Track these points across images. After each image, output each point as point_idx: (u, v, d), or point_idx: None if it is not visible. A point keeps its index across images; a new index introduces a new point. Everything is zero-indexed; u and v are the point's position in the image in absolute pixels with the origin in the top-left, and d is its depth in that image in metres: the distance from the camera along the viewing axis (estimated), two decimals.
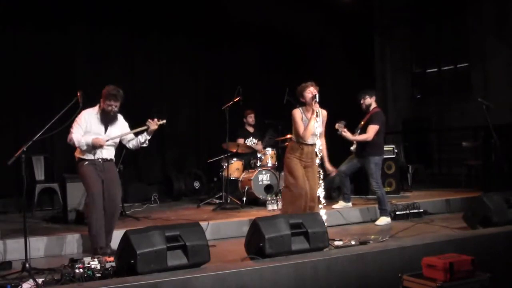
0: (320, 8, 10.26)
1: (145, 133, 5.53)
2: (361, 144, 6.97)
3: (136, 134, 5.61)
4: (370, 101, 7.11)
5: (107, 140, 5.36)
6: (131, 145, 5.63)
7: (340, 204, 7.28)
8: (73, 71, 8.62)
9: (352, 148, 7.19)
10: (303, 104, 5.94)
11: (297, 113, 5.90)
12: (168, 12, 9.47)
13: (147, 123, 5.47)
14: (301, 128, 5.82)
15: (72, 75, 8.44)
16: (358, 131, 7.10)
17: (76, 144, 5.28)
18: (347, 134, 6.90)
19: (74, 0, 8.58)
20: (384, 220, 6.78)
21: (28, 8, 8.21)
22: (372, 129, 6.86)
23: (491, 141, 7.49)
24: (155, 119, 5.50)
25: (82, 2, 8.64)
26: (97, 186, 5.30)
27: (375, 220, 6.95)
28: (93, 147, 5.30)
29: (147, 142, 5.57)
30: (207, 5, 9.52)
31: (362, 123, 7.07)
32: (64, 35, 8.66)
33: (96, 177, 5.32)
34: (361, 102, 7.13)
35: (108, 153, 5.44)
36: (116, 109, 5.41)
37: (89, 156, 5.34)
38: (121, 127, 5.54)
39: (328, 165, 5.99)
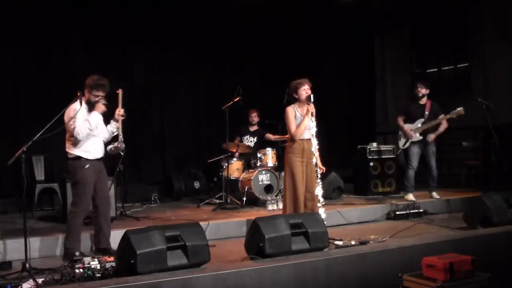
0: (320, 9, 10.25)
1: (112, 121, 5.50)
2: (426, 132, 7.77)
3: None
4: (425, 92, 7.81)
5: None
6: (104, 138, 5.52)
7: (410, 197, 7.79)
8: (74, 78, 8.55)
9: (401, 143, 8.05)
10: (296, 100, 5.92)
11: (290, 111, 5.87)
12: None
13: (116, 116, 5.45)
14: (293, 126, 5.80)
15: (73, 81, 8.39)
16: (422, 121, 7.81)
17: (88, 128, 5.11)
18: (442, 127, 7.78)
19: (76, 12, 8.59)
20: (437, 194, 7.84)
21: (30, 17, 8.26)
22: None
23: (491, 141, 7.48)
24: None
25: (83, 15, 8.66)
26: (88, 202, 5.25)
27: (375, 220, 7.13)
28: (98, 112, 5.21)
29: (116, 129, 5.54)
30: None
31: (427, 112, 7.78)
32: (65, 48, 8.66)
33: (91, 188, 5.24)
34: (421, 89, 7.81)
35: (102, 152, 5.43)
36: (103, 100, 5.27)
37: (86, 155, 5.24)
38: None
39: (319, 163, 5.85)
